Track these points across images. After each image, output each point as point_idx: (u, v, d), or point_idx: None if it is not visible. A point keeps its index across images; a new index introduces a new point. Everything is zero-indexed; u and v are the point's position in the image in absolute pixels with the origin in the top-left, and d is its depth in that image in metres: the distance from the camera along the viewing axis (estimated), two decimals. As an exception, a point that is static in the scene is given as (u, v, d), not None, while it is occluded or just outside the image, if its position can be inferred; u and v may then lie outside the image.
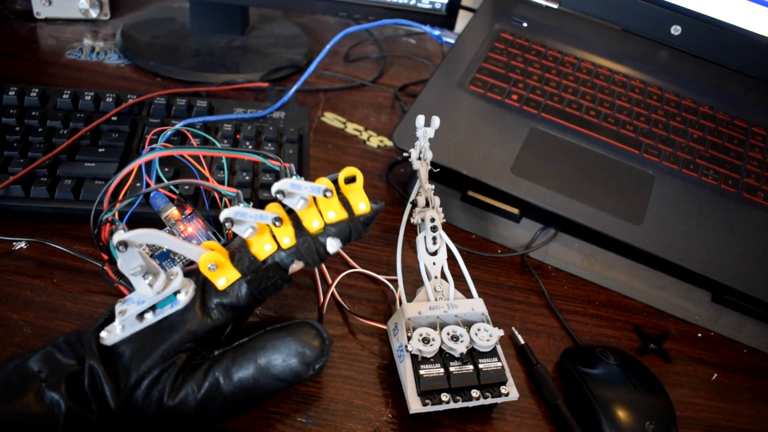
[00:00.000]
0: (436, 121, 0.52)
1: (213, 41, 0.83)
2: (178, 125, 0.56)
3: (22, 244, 0.52)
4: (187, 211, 0.50)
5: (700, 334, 0.59)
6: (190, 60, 0.79)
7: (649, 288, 0.61)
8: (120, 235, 0.34)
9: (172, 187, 0.52)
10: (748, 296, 0.58)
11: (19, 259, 0.51)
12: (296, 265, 0.40)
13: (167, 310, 0.37)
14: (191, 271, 0.41)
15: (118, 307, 0.37)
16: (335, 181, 0.40)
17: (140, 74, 0.77)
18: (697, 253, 0.59)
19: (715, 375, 0.56)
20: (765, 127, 0.71)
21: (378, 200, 0.42)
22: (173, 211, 0.49)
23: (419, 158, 0.53)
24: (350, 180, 0.40)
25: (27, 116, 0.59)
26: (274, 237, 0.39)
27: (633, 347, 0.56)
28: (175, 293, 0.38)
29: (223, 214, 0.37)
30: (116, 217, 0.45)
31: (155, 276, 0.37)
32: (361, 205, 0.40)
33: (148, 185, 0.51)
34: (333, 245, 0.40)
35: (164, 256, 0.48)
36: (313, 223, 0.39)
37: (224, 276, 0.38)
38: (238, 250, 0.39)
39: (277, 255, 0.39)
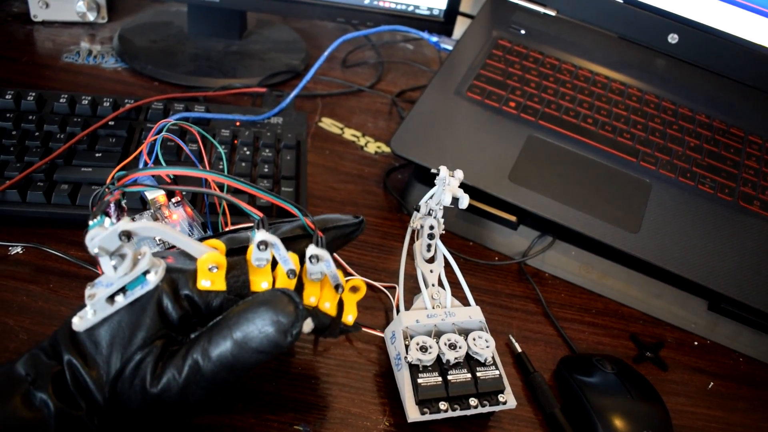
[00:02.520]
0: (459, 174, 0.50)
1: (211, 46, 0.83)
2: (175, 116, 0.56)
3: (18, 249, 0.52)
4: (175, 198, 0.49)
5: (696, 343, 0.59)
6: (188, 64, 0.79)
7: (646, 296, 0.61)
8: (126, 225, 0.33)
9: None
10: (744, 305, 0.58)
11: (15, 265, 0.51)
12: None
13: (138, 292, 0.36)
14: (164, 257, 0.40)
15: (88, 291, 0.36)
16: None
17: (137, 78, 0.77)
18: (694, 261, 0.59)
19: (712, 384, 0.56)
20: (761, 135, 0.71)
21: (358, 323, 0.44)
22: (159, 197, 0.49)
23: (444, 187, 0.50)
24: (354, 289, 0.43)
25: (24, 120, 0.59)
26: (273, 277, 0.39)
27: (629, 355, 0.56)
28: (145, 273, 0.37)
29: (261, 237, 0.37)
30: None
31: (122, 257, 0.36)
32: (350, 317, 0.43)
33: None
34: (308, 326, 0.40)
35: (145, 237, 0.47)
36: (310, 299, 0.41)
37: (211, 280, 0.38)
38: (238, 266, 0.39)
39: None
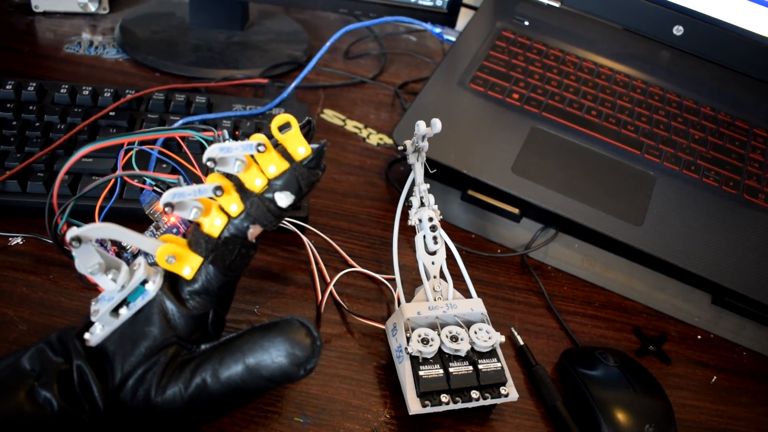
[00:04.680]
0: (437, 124, 0.49)
1: (212, 37, 0.83)
2: (179, 122, 0.56)
3: (18, 240, 0.52)
4: None
5: (699, 336, 0.59)
6: (190, 55, 0.78)
7: (649, 289, 0.61)
8: (73, 231, 0.33)
9: (146, 178, 0.51)
10: (748, 299, 0.58)
11: (15, 255, 0.50)
12: (254, 230, 0.38)
13: (139, 302, 0.36)
14: None
15: (93, 307, 0.36)
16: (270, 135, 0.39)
17: (139, 69, 0.77)
18: (698, 254, 0.59)
19: (715, 377, 0.55)
20: (766, 128, 0.71)
21: (320, 141, 0.39)
22: (158, 205, 0.49)
23: (415, 150, 0.51)
24: (284, 127, 0.38)
25: (24, 111, 0.58)
26: (222, 209, 0.38)
27: (632, 349, 0.56)
28: (143, 283, 0.37)
29: (162, 200, 0.36)
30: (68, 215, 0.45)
31: (117, 270, 0.36)
32: (300, 149, 0.38)
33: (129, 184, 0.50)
34: (283, 199, 0.38)
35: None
36: (255, 182, 0.37)
37: (187, 264, 0.37)
38: (192, 234, 0.38)
39: (230, 226, 0.38)
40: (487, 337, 0.45)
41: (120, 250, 0.47)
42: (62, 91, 0.61)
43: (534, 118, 0.67)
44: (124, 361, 0.36)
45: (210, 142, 0.49)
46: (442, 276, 0.50)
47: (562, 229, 0.63)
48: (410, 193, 0.53)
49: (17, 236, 0.52)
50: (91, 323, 0.37)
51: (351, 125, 0.75)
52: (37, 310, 0.47)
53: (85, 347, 0.36)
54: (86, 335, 0.36)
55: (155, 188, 0.51)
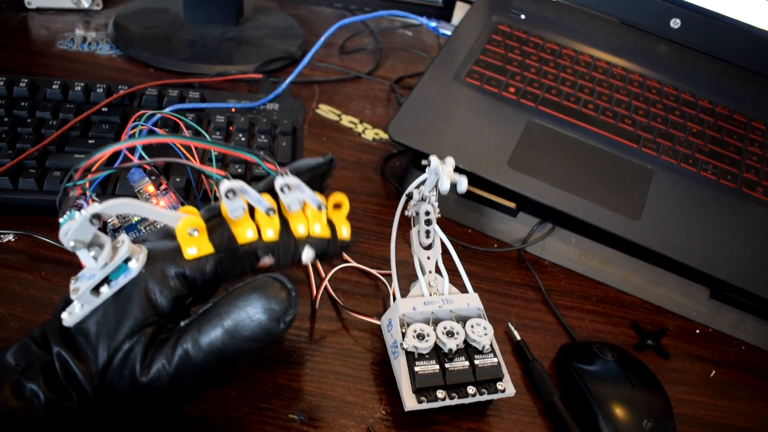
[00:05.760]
0: (460, 182, 0.46)
1: (207, 32, 0.82)
2: (166, 110, 0.55)
3: (10, 237, 0.51)
4: (162, 186, 0.49)
5: (698, 331, 0.59)
6: (184, 51, 0.78)
7: (647, 284, 0.61)
8: (94, 207, 0.33)
9: (147, 157, 0.50)
10: (747, 292, 0.57)
11: (7, 252, 0.50)
12: (268, 260, 0.39)
13: (121, 281, 0.35)
14: (144, 239, 0.39)
15: (72, 285, 0.35)
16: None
17: (132, 65, 0.76)
18: (696, 248, 0.58)
19: (713, 372, 0.55)
20: (764, 121, 0.70)
21: (354, 235, 0.43)
22: (148, 186, 0.48)
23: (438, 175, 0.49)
24: (337, 206, 0.41)
25: (16, 107, 0.58)
26: (257, 226, 0.38)
27: (630, 343, 0.55)
28: (126, 261, 0.36)
29: (227, 185, 0.36)
30: (87, 186, 0.44)
31: (100, 247, 0.35)
32: (344, 231, 0.41)
33: (128, 161, 0.50)
34: (308, 255, 0.39)
35: (132, 228, 0.46)
36: (299, 228, 0.39)
37: (197, 245, 0.37)
38: (218, 225, 0.38)
39: (256, 245, 0.38)
40: (484, 332, 0.45)
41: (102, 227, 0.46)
42: (54, 87, 0.60)
43: (530, 111, 0.66)
44: (110, 341, 0.35)
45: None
46: (438, 271, 0.49)
47: (559, 224, 0.62)
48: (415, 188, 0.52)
49: (9, 233, 0.51)
50: (69, 303, 0.36)
51: (346, 120, 0.74)
52: (29, 307, 0.46)
53: (62, 331, 0.35)
54: (63, 315, 0.35)
55: (154, 167, 0.50)
